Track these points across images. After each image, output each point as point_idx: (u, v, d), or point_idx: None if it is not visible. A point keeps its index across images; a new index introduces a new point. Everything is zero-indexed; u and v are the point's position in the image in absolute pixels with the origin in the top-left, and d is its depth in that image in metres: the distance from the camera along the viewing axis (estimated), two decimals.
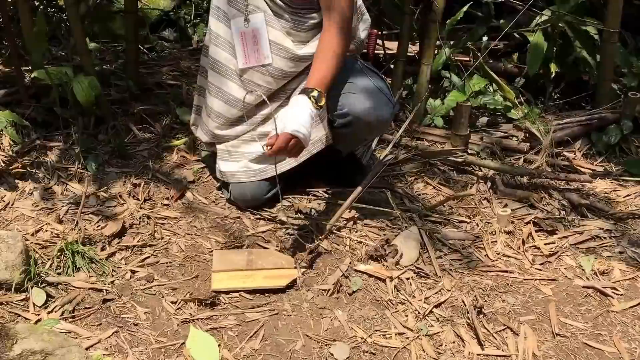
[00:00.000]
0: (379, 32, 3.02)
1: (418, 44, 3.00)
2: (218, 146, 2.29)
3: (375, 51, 2.58)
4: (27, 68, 2.75)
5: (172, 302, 1.89)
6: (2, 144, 2.49)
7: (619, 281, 2.05)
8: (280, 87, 2.19)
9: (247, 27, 2.07)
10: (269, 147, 1.89)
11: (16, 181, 2.36)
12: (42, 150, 2.50)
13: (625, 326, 1.89)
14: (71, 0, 2.42)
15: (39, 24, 2.47)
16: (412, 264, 2.06)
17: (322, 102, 2.00)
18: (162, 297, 1.92)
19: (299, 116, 1.93)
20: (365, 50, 2.32)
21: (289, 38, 2.11)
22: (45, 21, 2.52)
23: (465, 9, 3.00)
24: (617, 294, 2.00)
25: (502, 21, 3.19)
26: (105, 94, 2.66)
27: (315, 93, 1.97)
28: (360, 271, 2.03)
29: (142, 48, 3.15)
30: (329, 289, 1.95)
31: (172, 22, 3.47)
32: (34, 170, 2.40)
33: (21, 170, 2.39)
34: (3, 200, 2.27)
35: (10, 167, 2.39)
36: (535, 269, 2.10)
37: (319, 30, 2.11)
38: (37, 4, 3.08)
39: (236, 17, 2.10)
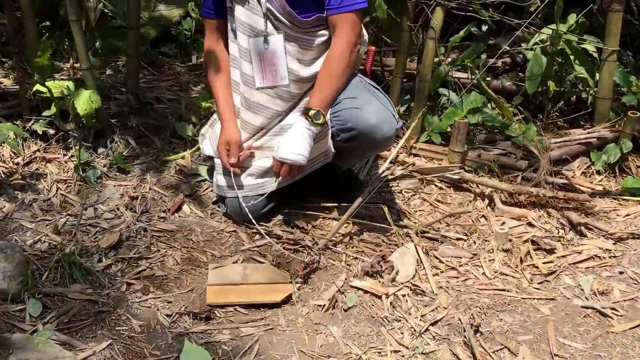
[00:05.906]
0: (377, 49, 3.03)
1: (416, 60, 3.01)
2: (217, 160, 2.29)
3: (372, 67, 2.59)
4: (30, 82, 2.77)
5: (167, 315, 1.89)
6: (2, 155, 2.51)
7: (618, 302, 2.04)
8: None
9: (267, 48, 2.10)
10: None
11: (16, 192, 2.36)
12: (42, 162, 2.51)
13: (625, 348, 1.87)
14: (75, 15, 2.45)
15: (44, 39, 2.49)
16: (408, 281, 2.06)
17: (321, 120, 2.08)
18: (157, 310, 1.91)
19: (292, 142, 2.06)
20: (362, 67, 2.33)
21: (297, 59, 2.14)
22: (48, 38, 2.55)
23: (468, 27, 3.01)
24: (617, 315, 1.98)
25: (499, 38, 3.21)
26: (105, 107, 2.67)
27: (312, 112, 2.07)
28: (356, 287, 2.03)
29: (142, 63, 3.17)
30: (325, 305, 1.94)
31: (172, 38, 3.49)
32: (33, 182, 2.41)
33: (21, 181, 2.41)
34: (2, 211, 2.27)
35: (11, 179, 2.41)
36: (534, 288, 2.09)
37: (326, 47, 2.14)
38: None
39: (255, 38, 2.11)
